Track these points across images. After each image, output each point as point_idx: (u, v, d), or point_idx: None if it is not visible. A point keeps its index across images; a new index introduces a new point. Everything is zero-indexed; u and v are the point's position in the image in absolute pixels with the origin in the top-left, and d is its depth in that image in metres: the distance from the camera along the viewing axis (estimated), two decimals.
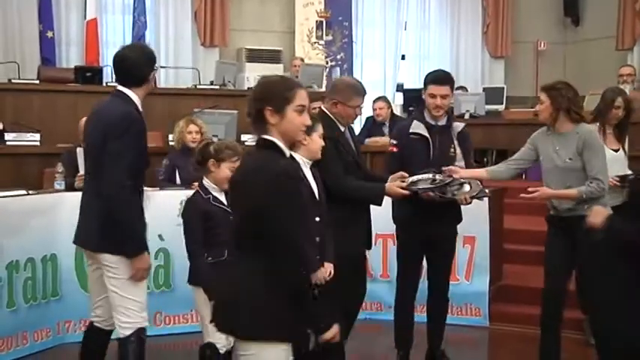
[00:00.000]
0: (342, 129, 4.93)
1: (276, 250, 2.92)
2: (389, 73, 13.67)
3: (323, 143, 4.48)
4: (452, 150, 5.24)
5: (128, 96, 4.19)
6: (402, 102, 11.67)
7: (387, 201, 5.04)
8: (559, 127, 5.11)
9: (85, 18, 11.83)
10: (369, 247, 5.27)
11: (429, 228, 5.20)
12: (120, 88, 4.25)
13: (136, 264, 4.02)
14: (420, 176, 4.90)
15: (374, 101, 10.29)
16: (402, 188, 4.78)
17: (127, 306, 4.15)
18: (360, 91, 4.99)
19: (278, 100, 3.00)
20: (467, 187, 5.02)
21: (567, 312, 6.32)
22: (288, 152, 3.12)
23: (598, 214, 3.34)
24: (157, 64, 4.40)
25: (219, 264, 4.32)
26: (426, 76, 5.37)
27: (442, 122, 5.29)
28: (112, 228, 4.02)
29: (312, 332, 3.00)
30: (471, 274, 6.64)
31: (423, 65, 13.71)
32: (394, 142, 5.30)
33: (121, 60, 4.29)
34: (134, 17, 12.06)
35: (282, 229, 2.92)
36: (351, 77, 5.50)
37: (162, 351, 4.59)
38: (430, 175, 4.93)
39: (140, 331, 4.15)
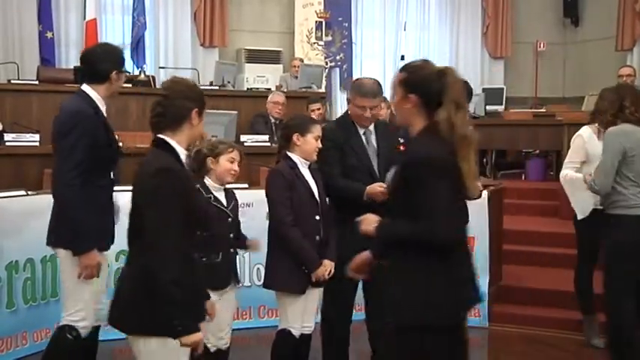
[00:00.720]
0: (362, 131, 4.85)
1: (146, 247, 2.98)
2: (388, 73, 13.61)
3: (318, 144, 4.52)
4: None
5: (86, 94, 4.22)
6: None
7: None
8: None
9: (85, 18, 11.77)
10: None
11: None
12: (82, 86, 4.30)
13: (83, 261, 4.02)
14: None
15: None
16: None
17: (69, 301, 4.23)
18: (364, 91, 4.81)
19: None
20: None
21: (567, 313, 6.36)
22: (183, 154, 3.24)
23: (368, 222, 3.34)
24: (124, 67, 4.42)
25: (211, 266, 4.30)
26: None
27: None
28: (62, 224, 4.12)
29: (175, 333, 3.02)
30: None
31: None
32: (402, 140, 5.25)
33: (86, 54, 4.41)
34: (133, 18, 12.03)
35: (152, 226, 2.98)
36: (368, 78, 5.38)
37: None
38: None
39: (69, 329, 4.15)
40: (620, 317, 5.12)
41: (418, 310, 2.99)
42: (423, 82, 3.09)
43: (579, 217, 5.94)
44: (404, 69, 3.25)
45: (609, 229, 5.20)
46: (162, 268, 2.92)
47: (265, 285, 4.59)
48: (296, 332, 4.55)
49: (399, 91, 3.17)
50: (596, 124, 5.77)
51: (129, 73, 4.54)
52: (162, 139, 3.17)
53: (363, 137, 4.85)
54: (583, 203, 5.85)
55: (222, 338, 4.49)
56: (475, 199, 3.50)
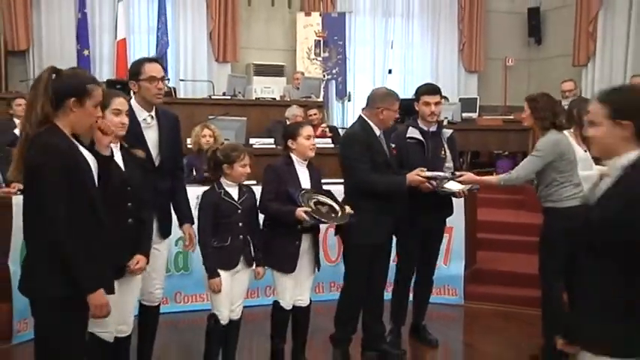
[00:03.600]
0: (378, 133, 4.90)
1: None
2: (377, 85, 13.59)
3: (310, 143, 4.64)
4: (442, 152, 5.24)
5: None
6: None
7: None
8: None
9: (116, 38, 11.85)
10: (397, 234, 5.23)
11: (426, 221, 5.24)
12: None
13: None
14: (435, 173, 4.94)
15: (363, 110, 10.22)
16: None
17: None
18: (431, 89, 5.34)
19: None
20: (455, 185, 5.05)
21: (531, 291, 6.32)
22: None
23: None
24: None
25: (221, 248, 4.39)
26: (419, 88, 5.44)
27: (433, 128, 5.30)
28: None
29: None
30: (448, 259, 6.65)
31: (407, 79, 13.69)
32: (393, 145, 5.24)
33: None
34: (158, 37, 12.04)
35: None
36: (385, 87, 5.55)
37: (181, 325, 4.59)
38: (443, 174, 5.01)
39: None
40: (551, 292, 5.11)
41: None
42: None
43: None
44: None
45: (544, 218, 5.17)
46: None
47: (257, 262, 4.60)
48: (285, 304, 4.65)
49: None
50: (572, 129, 5.69)
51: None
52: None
53: (381, 138, 4.95)
54: None
55: (233, 311, 4.51)
56: None
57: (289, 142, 4.67)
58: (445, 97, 11.50)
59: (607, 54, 12.52)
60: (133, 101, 4.19)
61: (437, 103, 5.27)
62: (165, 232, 4.37)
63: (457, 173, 5.12)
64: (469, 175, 5.20)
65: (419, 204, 5.00)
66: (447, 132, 5.44)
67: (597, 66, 12.68)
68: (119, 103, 3.78)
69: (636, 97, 2.57)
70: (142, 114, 4.18)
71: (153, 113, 4.24)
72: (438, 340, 5.59)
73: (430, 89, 5.38)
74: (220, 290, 4.37)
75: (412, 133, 5.27)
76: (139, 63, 4.27)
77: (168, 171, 4.33)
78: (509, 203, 8.63)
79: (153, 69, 4.17)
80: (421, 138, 5.22)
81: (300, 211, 4.37)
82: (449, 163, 5.23)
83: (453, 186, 5.00)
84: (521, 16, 14.39)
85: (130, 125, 3.91)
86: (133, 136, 4.04)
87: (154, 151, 4.22)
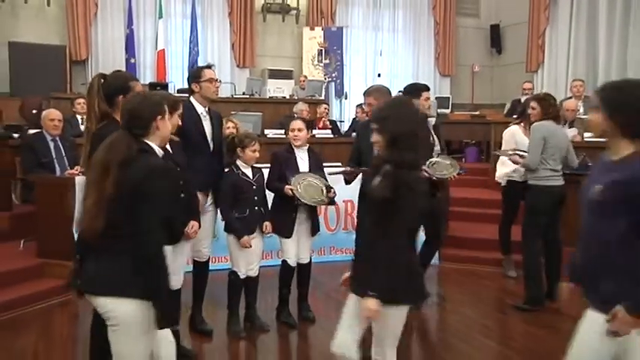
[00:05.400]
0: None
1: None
2: (369, 85, 13.59)
3: (295, 134, 4.62)
4: (431, 138, 5.17)
5: None
6: None
7: None
8: None
9: (156, 49, 11.89)
10: None
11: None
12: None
13: None
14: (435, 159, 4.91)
15: (357, 106, 10.26)
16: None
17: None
18: (427, 87, 5.37)
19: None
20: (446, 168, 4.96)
21: (493, 254, 6.39)
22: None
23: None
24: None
25: (242, 218, 4.43)
26: (418, 86, 5.39)
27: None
28: None
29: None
30: None
31: (393, 81, 13.60)
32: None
33: None
34: (190, 47, 12.00)
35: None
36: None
37: (215, 281, 4.64)
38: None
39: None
40: (530, 253, 5.14)
41: None
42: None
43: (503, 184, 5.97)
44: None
45: (527, 194, 5.22)
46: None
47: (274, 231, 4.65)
48: (290, 262, 4.68)
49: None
50: (522, 123, 5.73)
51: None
52: None
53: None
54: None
55: (251, 269, 4.54)
56: None
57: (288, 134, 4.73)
58: None
59: (553, 62, 12.68)
60: (192, 99, 4.29)
61: (427, 98, 5.28)
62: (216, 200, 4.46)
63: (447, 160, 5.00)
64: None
65: None
66: (432, 120, 5.38)
67: (545, 72, 12.82)
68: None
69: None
70: (200, 109, 4.30)
71: (207, 109, 4.33)
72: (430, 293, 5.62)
73: (428, 87, 5.42)
74: (252, 245, 4.43)
75: None
76: (199, 69, 4.41)
77: (218, 153, 4.40)
78: (475, 182, 8.64)
79: (210, 73, 4.34)
80: None
81: (287, 188, 4.42)
82: (437, 147, 5.18)
83: (445, 169, 4.95)
84: (485, 31, 14.35)
85: (192, 118, 4.07)
86: (194, 125, 4.17)
87: (209, 137, 4.31)
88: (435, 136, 5.22)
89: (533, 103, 5.23)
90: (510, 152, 5.42)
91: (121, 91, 3.09)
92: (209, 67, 4.41)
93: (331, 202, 4.60)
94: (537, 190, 5.07)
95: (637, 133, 2.27)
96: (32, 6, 11.12)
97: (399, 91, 5.60)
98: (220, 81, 4.77)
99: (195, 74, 4.35)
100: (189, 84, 4.35)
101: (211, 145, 4.32)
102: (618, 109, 2.28)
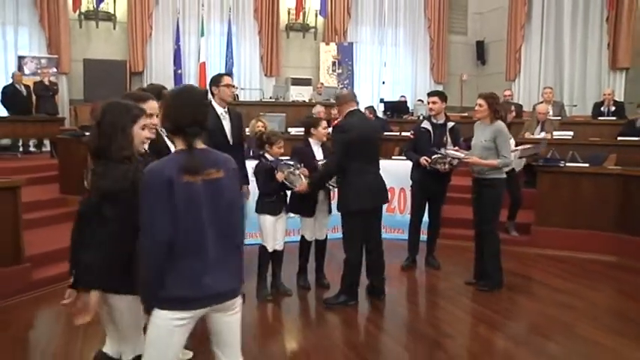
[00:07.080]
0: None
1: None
2: (375, 92, 13.53)
3: (327, 131, 4.65)
4: (445, 139, 5.12)
5: None
6: (382, 109, 11.55)
7: (407, 167, 5.39)
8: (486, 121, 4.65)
9: (199, 61, 11.95)
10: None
11: (431, 185, 5.25)
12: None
13: None
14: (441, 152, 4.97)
15: (365, 108, 10.16)
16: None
17: None
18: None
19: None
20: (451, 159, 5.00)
21: (466, 230, 6.25)
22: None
23: None
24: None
25: (271, 202, 4.42)
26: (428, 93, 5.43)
27: (440, 121, 5.19)
28: None
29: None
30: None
31: (395, 88, 13.57)
32: (412, 131, 5.45)
33: None
34: (226, 60, 12.04)
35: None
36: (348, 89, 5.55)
37: (247, 254, 4.65)
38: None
39: None
40: (493, 236, 4.83)
41: None
42: None
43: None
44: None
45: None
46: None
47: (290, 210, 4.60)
48: (308, 237, 4.70)
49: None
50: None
51: None
52: None
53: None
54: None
55: (278, 244, 4.53)
56: None
57: (312, 130, 4.65)
58: (420, 100, 11.49)
59: (527, 73, 12.76)
60: (213, 102, 4.23)
61: (433, 102, 5.15)
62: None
63: (462, 153, 4.87)
64: (474, 158, 4.65)
65: (427, 174, 5.11)
66: (450, 124, 5.23)
67: (521, 80, 12.85)
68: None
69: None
70: (219, 109, 4.24)
71: (226, 109, 4.27)
72: (440, 264, 5.59)
73: (429, 92, 5.35)
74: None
75: (424, 124, 5.26)
76: (219, 75, 4.35)
77: (237, 147, 4.31)
78: (461, 172, 8.51)
79: (228, 79, 4.29)
80: (429, 128, 5.16)
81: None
82: (450, 146, 5.12)
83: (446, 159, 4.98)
84: (471, 46, 14.22)
85: (212, 118, 3.96)
86: (215, 124, 4.06)
87: (228, 134, 4.25)
88: (449, 137, 5.14)
89: (480, 101, 4.67)
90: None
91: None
92: (228, 74, 4.36)
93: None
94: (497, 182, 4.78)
95: None
96: (102, 30, 11.56)
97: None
98: (236, 87, 4.73)
99: (215, 79, 4.27)
100: (210, 87, 4.28)
101: (231, 140, 4.23)
102: None
